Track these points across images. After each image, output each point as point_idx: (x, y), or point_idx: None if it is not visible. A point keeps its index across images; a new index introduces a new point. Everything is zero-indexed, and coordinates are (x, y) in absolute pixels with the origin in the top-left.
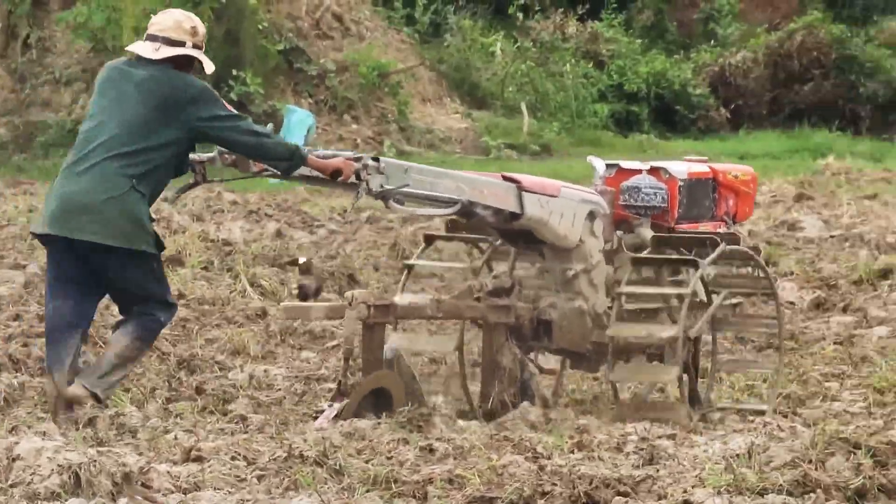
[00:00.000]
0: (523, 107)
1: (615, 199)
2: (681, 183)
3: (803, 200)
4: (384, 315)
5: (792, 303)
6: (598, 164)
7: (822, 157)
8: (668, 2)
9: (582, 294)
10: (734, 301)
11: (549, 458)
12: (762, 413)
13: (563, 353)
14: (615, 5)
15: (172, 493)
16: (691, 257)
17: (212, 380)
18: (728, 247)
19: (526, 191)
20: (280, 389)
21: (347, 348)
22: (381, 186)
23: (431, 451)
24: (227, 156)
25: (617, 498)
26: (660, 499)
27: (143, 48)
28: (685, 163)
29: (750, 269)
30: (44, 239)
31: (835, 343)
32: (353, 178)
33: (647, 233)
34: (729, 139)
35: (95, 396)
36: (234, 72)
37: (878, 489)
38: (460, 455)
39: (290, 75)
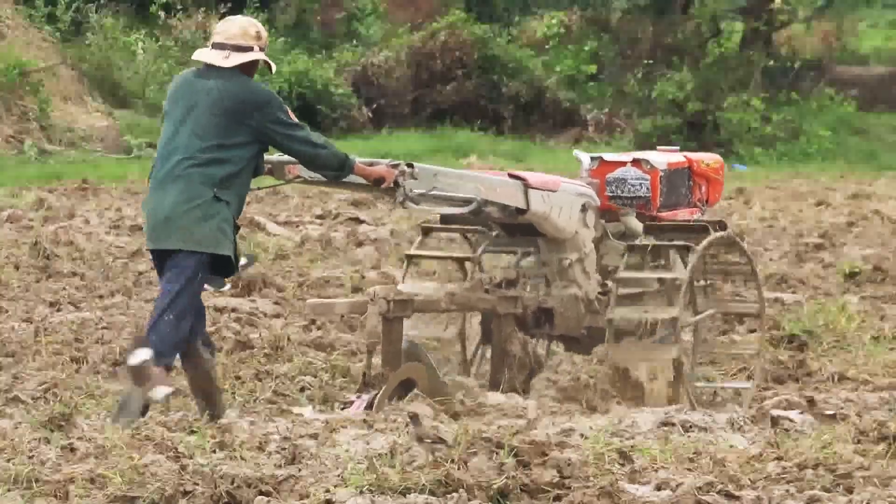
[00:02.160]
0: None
1: (601, 190)
2: (661, 173)
3: None
4: (403, 309)
5: None
6: (584, 157)
7: (465, 156)
8: (312, 0)
9: (576, 282)
10: (707, 282)
11: (190, 458)
12: (746, 390)
13: (560, 338)
14: (257, 4)
15: None
16: (687, 244)
17: None
18: (718, 233)
19: (531, 188)
20: None
21: (372, 342)
22: (414, 190)
23: (73, 450)
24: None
25: (259, 497)
26: (302, 498)
27: (212, 56)
28: (663, 153)
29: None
30: (152, 254)
31: None
32: (391, 185)
33: (633, 221)
34: (371, 138)
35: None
36: None
37: (521, 489)
38: (102, 454)
39: None
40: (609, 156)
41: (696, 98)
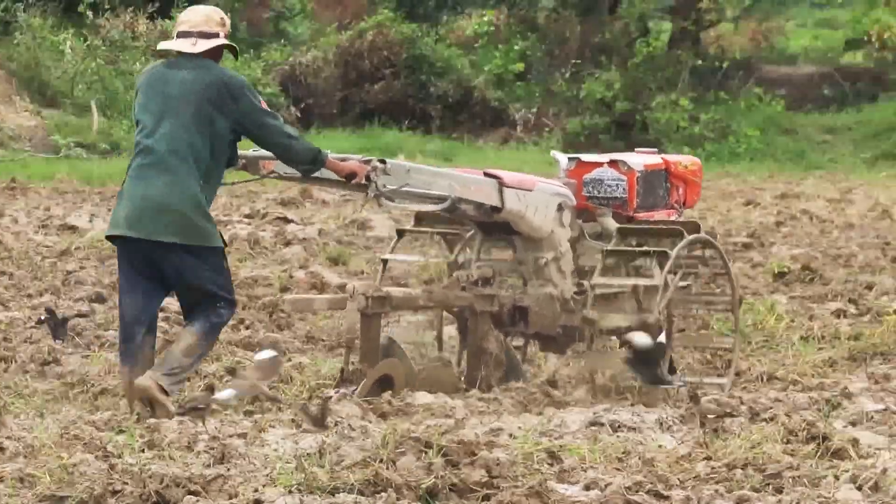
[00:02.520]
0: (93, 105)
1: (578, 191)
2: (638, 174)
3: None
4: (381, 306)
5: None
6: (562, 158)
7: (393, 156)
8: (240, 0)
9: (552, 281)
10: (684, 283)
11: (119, 457)
12: (721, 388)
13: (535, 336)
14: (185, 3)
15: None
16: (663, 249)
17: None
18: (692, 235)
19: (506, 186)
20: None
21: (349, 337)
22: (386, 186)
23: (1, 449)
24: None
25: (188, 497)
26: (231, 498)
27: (179, 44)
28: (640, 155)
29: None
30: (118, 240)
31: None
32: (363, 180)
33: (609, 222)
34: None
35: (162, 389)
36: None
37: (450, 488)
38: (31, 453)
39: None
40: (586, 157)
41: (624, 98)
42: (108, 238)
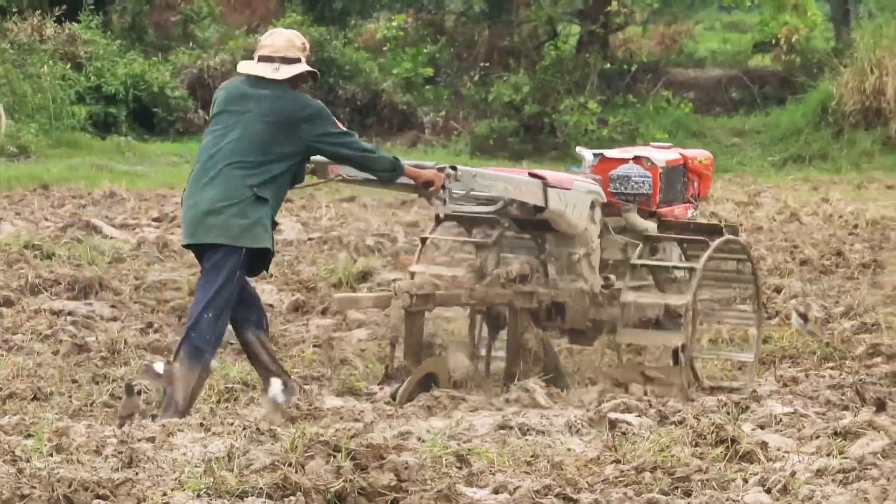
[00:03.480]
0: (0, 108)
1: (603, 187)
2: (661, 170)
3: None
4: (425, 303)
5: (271, 305)
6: (587, 154)
7: None
8: (148, 3)
9: (583, 276)
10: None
11: (27, 461)
12: (749, 361)
13: (567, 331)
14: (92, 6)
15: None
16: (703, 238)
17: None
18: (727, 236)
19: (550, 186)
20: None
21: (394, 335)
22: (455, 192)
23: None
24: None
25: (96, 501)
26: (139, 501)
27: (262, 69)
28: (660, 150)
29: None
30: (189, 249)
31: (314, 346)
32: (441, 189)
33: (635, 217)
34: None
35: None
36: None
37: (358, 492)
38: None
39: None
40: (611, 153)
41: (532, 101)
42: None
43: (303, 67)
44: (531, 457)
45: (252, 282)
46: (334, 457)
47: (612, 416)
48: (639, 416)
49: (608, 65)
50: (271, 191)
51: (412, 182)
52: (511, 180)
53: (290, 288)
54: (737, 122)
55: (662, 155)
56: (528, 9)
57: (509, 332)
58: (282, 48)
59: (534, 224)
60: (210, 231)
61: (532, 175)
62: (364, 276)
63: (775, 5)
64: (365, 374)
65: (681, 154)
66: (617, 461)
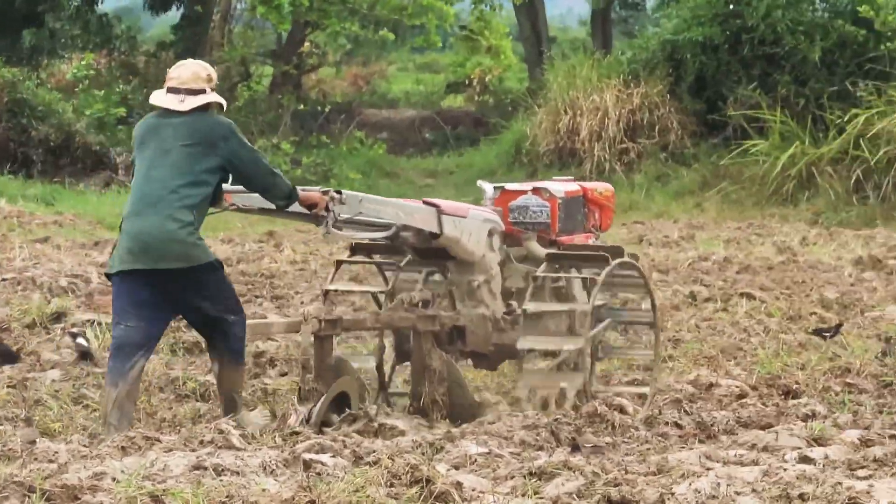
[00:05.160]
0: None
1: (503, 217)
2: (560, 200)
3: None
4: (333, 328)
5: None
6: (488, 187)
7: None
8: None
9: (484, 302)
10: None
11: None
12: (644, 396)
13: (470, 354)
14: None
15: None
16: (590, 276)
17: None
18: (618, 260)
19: (444, 213)
20: None
21: (305, 358)
22: (341, 216)
23: None
24: None
25: None
26: None
27: (169, 101)
28: (560, 182)
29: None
30: (120, 275)
31: (8, 387)
32: (323, 211)
33: (535, 246)
34: None
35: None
36: None
37: None
38: None
39: None
40: (510, 185)
41: None
42: (108, 276)
43: (208, 98)
44: (226, 497)
45: None
46: (29, 497)
47: (307, 456)
48: (333, 456)
49: (301, 105)
50: (201, 212)
51: (304, 209)
52: (403, 207)
53: None
54: (430, 162)
55: (561, 186)
56: (222, 49)
57: (413, 355)
58: (188, 80)
59: (432, 252)
60: (168, 257)
61: (426, 203)
62: (58, 316)
63: (468, 47)
64: (59, 414)
65: (581, 186)
66: (312, 502)
